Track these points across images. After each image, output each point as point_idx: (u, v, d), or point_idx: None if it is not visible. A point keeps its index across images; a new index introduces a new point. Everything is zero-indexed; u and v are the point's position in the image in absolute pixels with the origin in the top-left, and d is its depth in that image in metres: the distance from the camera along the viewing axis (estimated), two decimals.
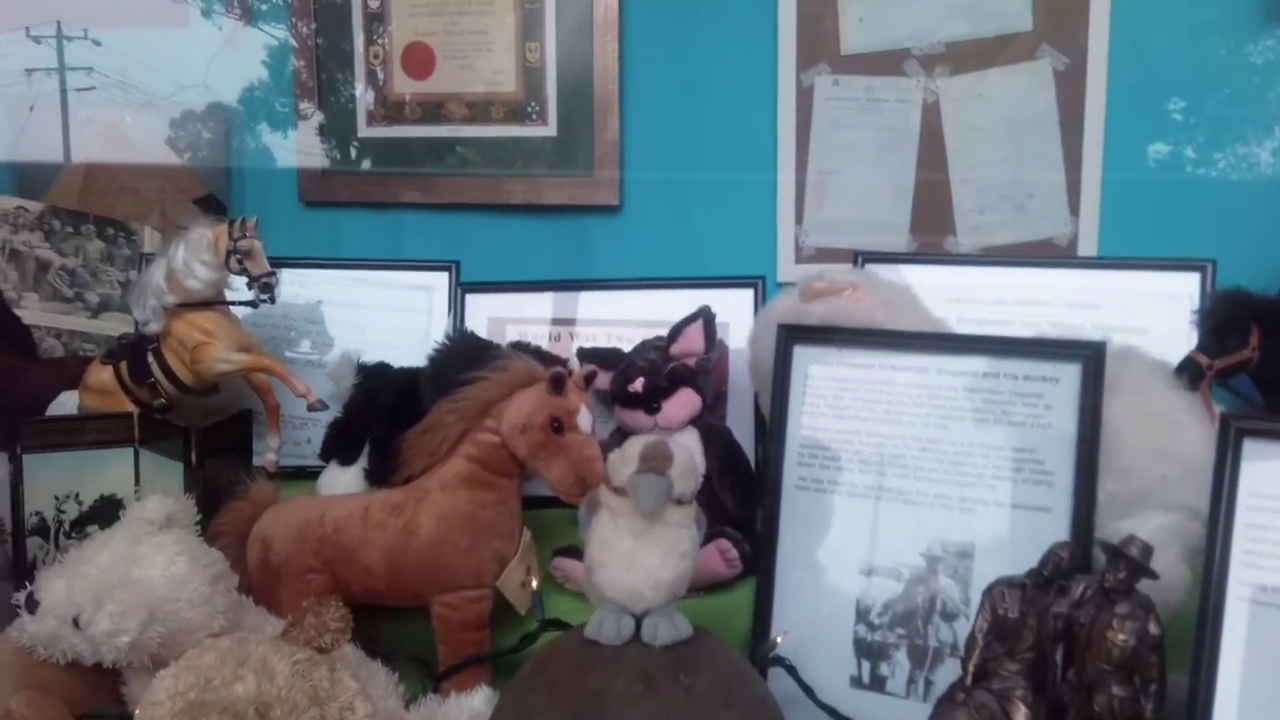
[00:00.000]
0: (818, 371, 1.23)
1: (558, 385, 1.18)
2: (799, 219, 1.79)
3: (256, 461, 1.54)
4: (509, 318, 1.68)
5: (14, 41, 2.05)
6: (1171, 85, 1.63)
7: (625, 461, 0.98)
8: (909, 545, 1.16)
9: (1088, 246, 1.66)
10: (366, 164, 1.96)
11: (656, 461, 0.96)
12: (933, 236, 1.73)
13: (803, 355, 1.24)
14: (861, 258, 1.56)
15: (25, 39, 2.05)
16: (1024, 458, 1.12)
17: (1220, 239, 1.56)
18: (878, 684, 1.14)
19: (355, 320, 1.73)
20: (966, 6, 1.66)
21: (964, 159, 1.69)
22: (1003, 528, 1.12)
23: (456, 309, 1.68)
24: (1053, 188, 1.66)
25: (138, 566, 1.00)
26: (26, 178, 2.03)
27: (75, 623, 0.97)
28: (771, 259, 1.80)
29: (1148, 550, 0.89)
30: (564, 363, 1.44)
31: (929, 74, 1.69)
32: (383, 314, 1.72)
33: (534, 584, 1.23)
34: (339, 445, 1.47)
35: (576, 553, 1.22)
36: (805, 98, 1.75)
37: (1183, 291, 1.39)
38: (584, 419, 1.19)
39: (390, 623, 1.25)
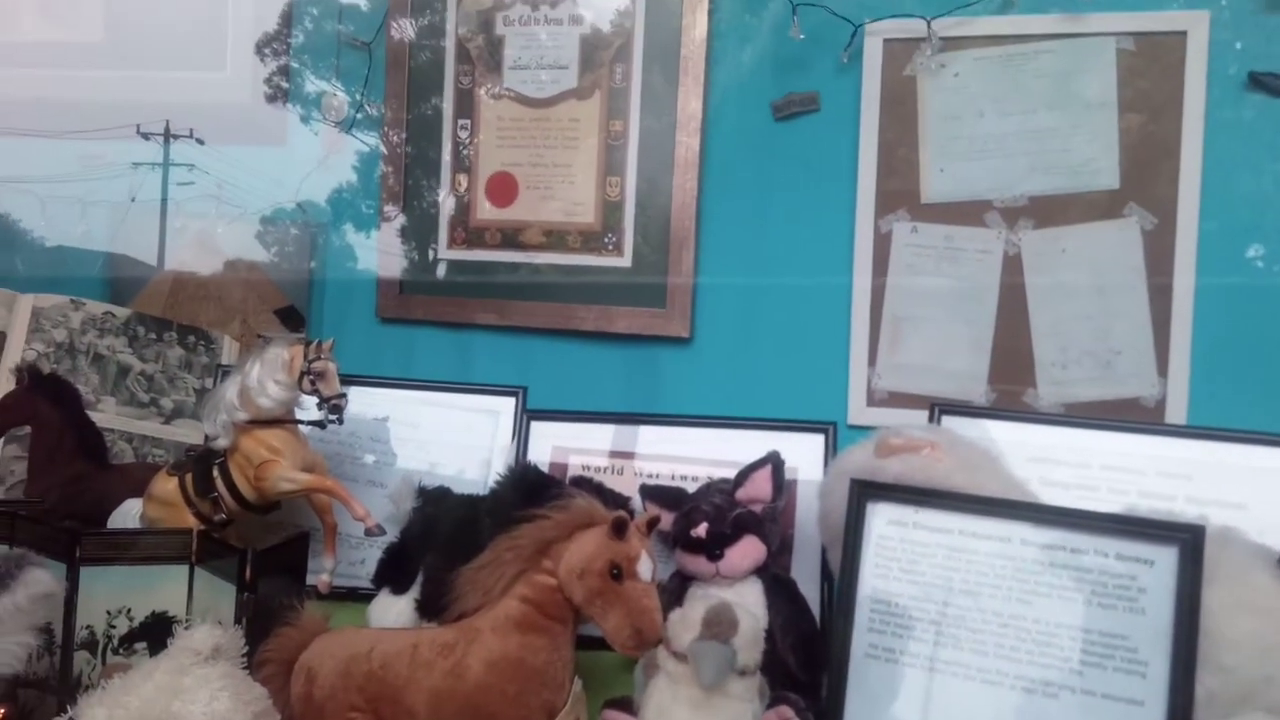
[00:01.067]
0: (892, 532, 1.18)
1: (620, 530, 1.15)
2: (872, 361, 1.75)
3: (310, 580, 1.52)
4: (572, 447, 1.66)
5: (126, 137, 2.17)
6: (1264, 244, 1.58)
7: (687, 625, 0.94)
8: None
9: (1177, 408, 1.59)
10: (443, 284, 2.00)
11: (720, 628, 0.92)
12: (1012, 387, 1.68)
13: (877, 513, 1.19)
14: (939, 409, 1.52)
15: (135, 135, 2.17)
16: (1115, 644, 1.04)
17: None
18: None
19: (420, 440, 1.73)
20: (1051, 163, 1.65)
21: (1046, 312, 1.65)
22: (1092, 718, 1.04)
23: (521, 435, 1.66)
24: (1140, 346, 1.60)
25: (180, 700, 0.97)
26: (118, 281, 2.12)
27: None
28: (842, 401, 1.76)
29: None
30: (626, 502, 1.41)
31: (1011, 226, 1.67)
32: (447, 436, 1.72)
33: None
34: (393, 572, 1.45)
35: (629, 705, 1.16)
36: (883, 243, 1.74)
37: None
38: (644, 567, 1.15)
39: None
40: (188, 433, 1.87)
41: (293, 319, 2.10)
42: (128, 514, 1.53)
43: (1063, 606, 1.08)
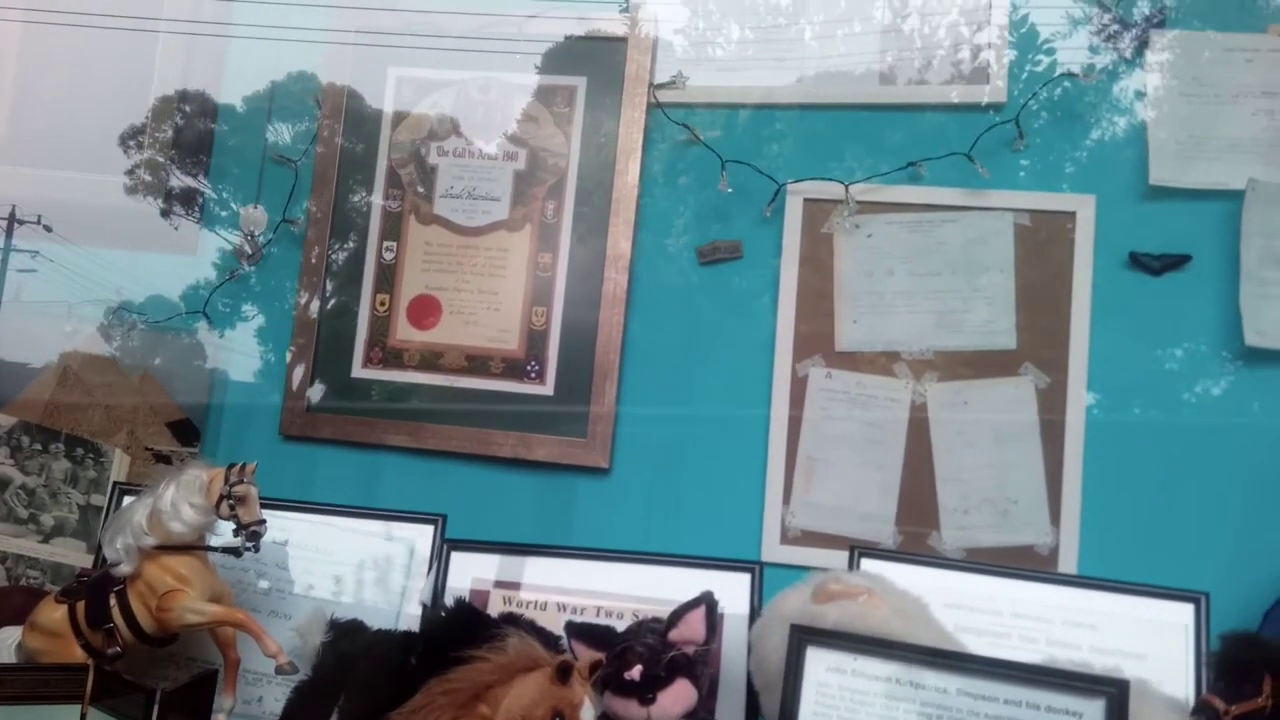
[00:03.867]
0: (832, 679, 1.20)
1: (564, 675, 1.13)
2: (786, 500, 1.80)
3: None
4: (493, 579, 1.62)
5: None
6: (1145, 405, 1.72)
7: None
8: None
9: (1068, 557, 1.69)
10: (355, 404, 1.95)
11: None
12: (917, 530, 1.75)
13: (816, 659, 1.21)
14: (858, 551, 1.56)
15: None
16: None
17: (1202, 559, 1.61)
18: None
19: (328, 569, 1.65)
20: (955, 321, 1.77)
21: (949, 460, 1.75)
22: None
23: (440, 566, 1.62)
24: (1034, 497, 1.71)
25: None
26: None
27: None
28: (757, 538, 1.79)
29: None
30: (557, 641, 1.38)
31: (917, 378, 1.78)
32: (359, 564, 1.65)
33: None
34: (303, 714, 1.36)
35: None
36: (799, 386, 1.82)
37: (1178, 620, 1.41)
38: (588, 714, 1.13)
39: None
40: (67, 553, 1.73)
41: (186, 433, 2.00)
42: (1, 644, 1.39)
43: None
